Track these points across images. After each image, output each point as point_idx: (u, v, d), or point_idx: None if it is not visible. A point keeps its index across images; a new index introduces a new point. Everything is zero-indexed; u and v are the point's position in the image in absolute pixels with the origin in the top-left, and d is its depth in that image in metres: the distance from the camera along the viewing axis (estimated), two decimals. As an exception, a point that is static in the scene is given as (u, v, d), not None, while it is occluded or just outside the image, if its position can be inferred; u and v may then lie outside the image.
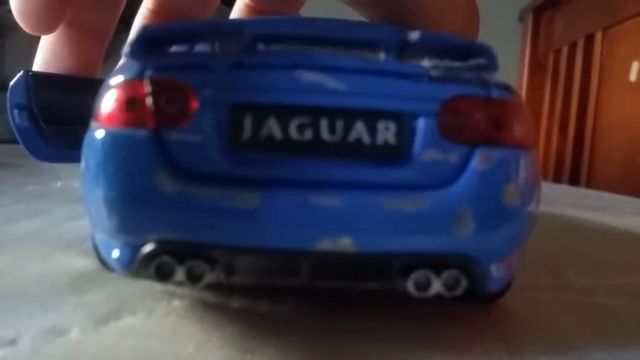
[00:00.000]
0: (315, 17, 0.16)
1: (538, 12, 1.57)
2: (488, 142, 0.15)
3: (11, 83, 0.23)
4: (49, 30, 0.23)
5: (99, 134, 0.15)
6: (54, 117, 0.23)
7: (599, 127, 1.26)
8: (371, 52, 0.15)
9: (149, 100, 0.14)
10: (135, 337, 0.15)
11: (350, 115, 0.15)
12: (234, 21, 0.18)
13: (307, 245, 0.14)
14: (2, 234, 0.25)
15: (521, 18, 1.67)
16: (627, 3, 1.16)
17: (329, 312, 0.17)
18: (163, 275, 0.15)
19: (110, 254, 0.16)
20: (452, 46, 0.16)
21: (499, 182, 0.15)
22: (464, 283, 0.15)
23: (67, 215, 0.30)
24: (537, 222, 0.16)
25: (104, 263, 0.18)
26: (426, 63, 0.15)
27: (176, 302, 0.17)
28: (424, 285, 0.15)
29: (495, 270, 0.16)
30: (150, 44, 0.15)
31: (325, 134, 0.15)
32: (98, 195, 0.15)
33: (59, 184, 0.41)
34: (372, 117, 0.15)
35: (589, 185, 1.22)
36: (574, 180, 1.29)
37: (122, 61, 0.16)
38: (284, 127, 0.15)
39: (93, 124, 0.15)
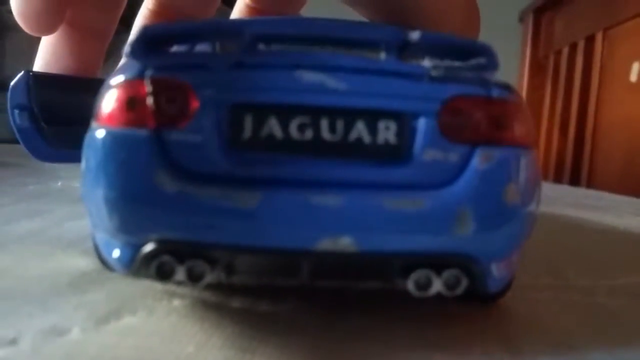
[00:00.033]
0: (315, 17, 0.16)
1: (538, 13, 1.57)
2: (488, 141, 0.15)
3: (12, 83, 0.23)
4: (49, 30, 0.23)
5: (100, 133, 0.15)
6: (55, 117, 0.23)
7: (599, 127, 1.26)
8: (372, 51, 0.15)
9: (149, 100, 0.15)
10: (136, 337, 0.15)
11: (350, 115, 0.15)
12: (235, 21, 0.18)
13: (308, 245, 0.14)
14: (2, 234, 0.25)
15: (521, 19, 1.67)
16: (627, 4, 1.16)
17: (329, 312, 0.17)
18: (163, 275, 0.15)
19: (110, 253, 0.16)
20: (452, 46, 0.16)
21: (500, 182, 0.15)
22: (464, 283, 0.15)
23: (67, 215, 0.30)
24: (537, 222, 0.16)
25: (104, 263, 0.18)
26: (426, 63, 0.15)
27: (177, 302, 0.17)
28: (424, 285, 0.15)
29: (496, 270, 0.16)
30: (151, 44, 0.15)
31: (325, 134, 0.15)
32: (98, 195, 0.15)
33: (59, 183, 0.41)
34: (372, 117, 0.15)
35: (590, 185, 1.22)
36: (575, 181, 1.29)
37: (122, 61, 0.16)
38: (285, 126, 0.15)
39: (93, 124, 0.15)
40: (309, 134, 0.15)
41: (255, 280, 0.15)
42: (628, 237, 0.36)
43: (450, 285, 0.15)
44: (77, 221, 0.28)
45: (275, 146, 0.15)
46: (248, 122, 0.15)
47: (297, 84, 0.15)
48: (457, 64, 0.15)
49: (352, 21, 0.16)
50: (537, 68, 1.58)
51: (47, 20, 0.22)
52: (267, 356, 0.14)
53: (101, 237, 0.16)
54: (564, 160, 1.38)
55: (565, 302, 0.20)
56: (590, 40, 1.31)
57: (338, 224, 0.14)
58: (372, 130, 0.15)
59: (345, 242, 0.14)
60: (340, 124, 0.15)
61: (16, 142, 0.24)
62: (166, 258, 0.14)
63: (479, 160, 0.15)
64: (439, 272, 0.15)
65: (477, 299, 0.18)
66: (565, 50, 1.42)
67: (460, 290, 0.15)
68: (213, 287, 0.17)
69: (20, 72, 0.23)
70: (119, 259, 0.15)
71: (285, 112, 0.15)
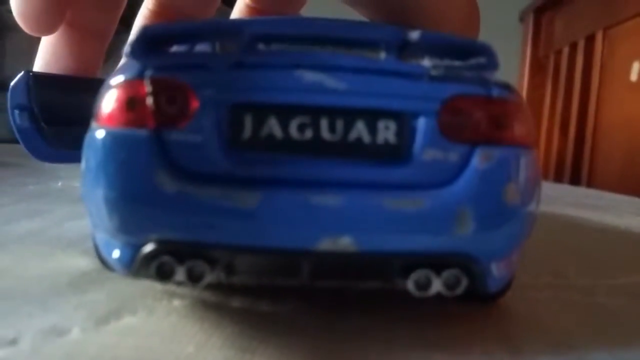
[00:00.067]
0: (315, 17, 0.16)
1: (539, 12, 1.58)
2: (488, 141, 0.15)
3: (12, 83, 0.23)
4: (49, 31, 0.23)
5: (100, 134, 0.15)
6: (55, 118, 0.23)
7: (599, 127, 1.26)
8: (371, 51, 0.15)
9: (149, 100, 0.15)
10: (136, 337, 0.15)
11: (350, 115, 0.15)
12: (235, 21, 0.18)
13: (308, 245, 0.14)
14: (2, 234, 0.25)
15: (522, 18, 1.67)
16: (627, 3, 1.16)
17: (329, 312, 0.17)
18: (163, 275, 0.15)
19: (110, 254, 0.16)
20: (452, 45, 0.16)
21: (500, 182, 0.15)
22: (464, 282, 0.15)
23: (67, 215, 0.30)
24: (537, 222, 0.16)
25: (104, 263, 0.18)
26: (426, 62, 0.15)
27: (176, 302, 0.17)
28: (424, 285, 0.15)
29: (496, 270, 0.16)
30: (151, 44, 0.15)
31: (325, 134, 0.15)
32: (98, 195, 0.15)
33: (59, 183, 0.41)
34: (372, 117, 0.15)
35: (590, 184, 1.22)
36: (575, 180, 1.29)
37: (122, 61, 0.16)
38: (285, 126, 0.15)
39: (93, 124, 0.15)
40: (308, 133, 0.15)
41: (255, 280, 0.15)
42: (628, 236, 0.36)
43: (450, 285, 0.15)
44: (77, 221, 0.28)
45: (275, 146, 0.15)
46: (248, 122, 0.15)
47: (297, 84, 0.15)
48: (457, 63, 0.15)
49: (352, 21, 0.16)
50: (538, 67, 1.58)
51: (47, 21, 0.22)
52: (267, 356, 0.14)
53: (101, 237, 0.16)
54: (564, 159, 1.38)
55: (565, 301, 0.20)
56: (590, 39, 1.31)
57: (338, 224, 0.14)
58: (372, 130, 0.15)
59: (345, 242, 0.14)
60: (340, 124, 0.15)
61: (16, 142, 0.24)
62: (166, 258, 0.14)
63: (478, 160, 0.15)
64: (438, 272, 0.15)
65: (477, 299, 0.18)
66: (566, 50, 1.42)
67: (460, 290, 0.15)
68: (213, 287, 0.17)
69: (20, 72, 0.23)
70: (119, 259, 0.15)
71: (285, 112, 0.15)
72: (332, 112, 0.15)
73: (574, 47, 1.39)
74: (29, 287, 0.18)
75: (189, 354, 0.14)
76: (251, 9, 0.25)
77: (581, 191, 0.78)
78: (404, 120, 0.15)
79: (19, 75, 0.23)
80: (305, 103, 0.15)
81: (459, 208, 0.15)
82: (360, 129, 0.15)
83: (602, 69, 1.26)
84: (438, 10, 0.20)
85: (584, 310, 0.19)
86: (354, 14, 0.21)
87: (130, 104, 0.15)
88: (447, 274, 0.15)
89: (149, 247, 0.14)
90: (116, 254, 0.15)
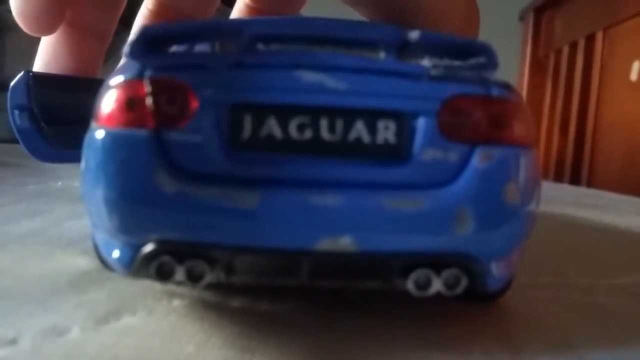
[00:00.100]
0: (315, 17, 0.16)
1: (539, 11, 1.58)
2: (488, 140, 0.15)
3: (12, 83, 0.23)
4: (49, 31, 0.23)
5: (99, 134, 0.15)
6: (55, 118, 0.23)
7: (599, 126, 1.26)
8: (371, 51, 0.15)
9: (148, 100, 0.15)
10: (136, 337, 0.15)
11: (350, 115, 0.15)
12: (234, 21, 0.18)
13: (307, 245, 0.14)
14: (2, 234, 0.25)
15: (522, 18, 1.67)
16: (627, 3, 1.16)
17: (328, 311, 0.17)
18: (163, 275, 0.15)
19: (110, 254, 0.16)
20: (451, 45, 0.16)
21: (499, 181, 0.15)
22: (464, 282, 0.15)
23: (67, 214, 0.30)
24: (537, 221, 0.16)
25: (104, 263, 0.18)
26: (426, 62, 0.15)
27: (176, 302, 0.17)
28: (424, 285, 0.15)
29: (496, 269, 0.16)
30: (150, 44, 0.15)
31: (325, 134, 0.15)
32: (98, 195, 0.15)
33: (59, 183, 0.41)
34: (372, 117, 0.15)
35: (590, 184, 1.22)
36: (575, 180, 1.29)
37: (122, 61, 0.16)
38: (284, 126, 0.15)
39: (93, 124, 0.15)
40: (308, 133, 0.15)
41: (254, 280, 0.15)
42: (628, 236, 0.36)
43: (450, 285, 0.15)
44: (77, 221, 0.28)
45: (274, 146, 0.15)
46: (247, 122, 0.15)
47: (297, 84, 0.15)
48: (456, 63, 0.15)
49: (351, 21, 0.16)
50: (538, 67, 1.58)
51: (47, 21, 0.22)
52: (266, 356, 0.14)
53: (101, 237, 0.16)
54: (564, 159, 1.38)
55: (565, 301, 0.20)
56: (590, 39, 1.31)
57: (338, 223, 0.14)
58: (372, 130, 0.15)
59: (345, 242, 0.14)
60: (339, 124, 0.15)
61: (16, 142, 0.24)
62: (166, 258, 0.14)
63: (478, 160, 0.15)
64: (438, 272, 0.15)
65: (477, 299, 0.18)
66: (566, 49, 1.42)
67: (460, 289, 0.15)
68: (213, 287, 0.17)
69: (20, 72, 0.23)
70: (118, 259, 0.15)
71: (284, 112, 0.15)
72: (332, 112, 0.15)
73: (574, 46, 1.39)
74: (28, 287, 0.18)
75: (189, 354, 0.14)
76: (251, 9, 0.25)
77: (581, 191, 0.78)
78: (403, 120, 0.15)
79: (18, 75, 0.23)
80: (304, 103, 0.15)
81: (458, 208, 0.15)
82: (359, 129, 0.15)
83: (602, 68, 1.26)
84: (437, 10, 0.20)
85: (584, 309, 0.19)
86: (354, 14, 0.21)
87: (130, 104, 0.15)
88: (447, 273, 0.15)
89: (148, 247, 0.14)
90: (116, 253, 0.15)
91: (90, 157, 0.15)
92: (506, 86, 0.16)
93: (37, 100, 0.23)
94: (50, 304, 0.17)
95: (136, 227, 0.15)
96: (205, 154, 0.14)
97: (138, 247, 0.15)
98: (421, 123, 0.15)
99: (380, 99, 0.15)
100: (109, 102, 0.15)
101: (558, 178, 1.36)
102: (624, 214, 0.45)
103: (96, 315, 0.16)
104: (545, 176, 1.35)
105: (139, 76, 0.15)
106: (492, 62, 0.15)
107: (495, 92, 0.15)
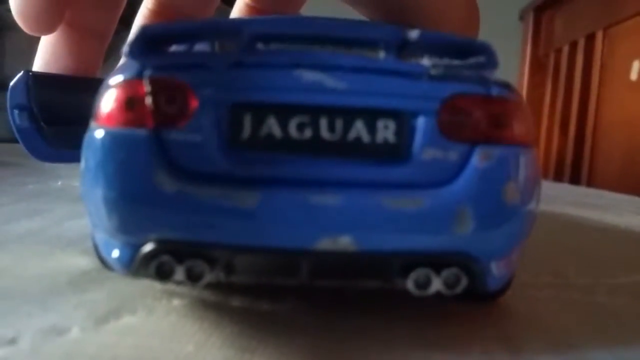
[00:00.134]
0: (315, 16, 0.16)
1: (539, 11, 1.57)
2: (488, 140, 0.15)
3: (11, 83, 0.23)
4: (48, 30, 0.23)
5: (99, 133, 0.15)
6: (54, 117, 0.23)
7: (599, 126, 1.26)
8: (371, 50, 0.15)
9: (148, 100, 0.14)
10: (136, 336, 0.15)
11: (349, 114, 0.15)
12: (234, 20, 0.18)
13: (307, 245, 0.14)
14: (2, 233, 0.25)
15: (522, 17, 1.67)
16: (627, 3, 1.16)
17: (328, 311, 0.17)
18: (163, 274, 0.15)
19: (110, 253, 0.16)
20: (451, 44, 0.16)
21: (499, 181, 0.15)
22: (464, 281, 0.15)
23: (67, 214, 0.30)
24: (537, 221, 0.16)
25: (104, 262, 0.18)
26: (426, 61, 0.15)
27: (176, 301, 0.17)
28: (424, 284, 0.15)
29: (496, 269, 0.16)
30: (150, 43, 0.15)
31: (324, 133, 0.15)
32: (98, 195, 0.15)
33: (59, 183, 0.41)
34: (371, 116, 0.15)
35: (590, 184, 1.22)
36: (575, 179, 1.29)
37: (121, 61, 0.16)
38: (284, 126, 0.15)
39: (93, 124, 0.15)
40: (308, 133, 0.15)
41: (254, 279, 0.15)
42: (628, 235, 0.36)
43: (449, 284, 0.15)
44: (77, 220, 0.28)
45: (274, 145, 0.15)
46: (247, 122, 0.15)
47: (297, 83, 0.15)
48: (456, 62, 0.15)
49: (351, 20, 0.16)
50: (538, 66, 1.58)
51: (47, 20, 0.22)
52: (266, 356, 0.14)
53: (101, 237, 0.16)
54: (564, 158, 1.38)
55: (565, 300, 0.20)
56: (590, 38, 1.31)
57: (337, 223, 0.14)
58: (371, 129, 0.15)
59: (345, 242, 0.14)
60: (339, 123, 0.15)
61: (16, 141, 0.24)
62: (165, 258, 0.14)
63: (478, 159, 0.15)
64: (438, 271, 0.15)
65: (476, 298, 0.18)
66: (566, 49, 1.42)
67: (459, 289, 0.15)
68: (212, 286, 0.17)
69: (19, 71, 0.23)
70: (118, 258, 0.15)
71: (284, 112, 0.15)
72: (332, 112, 0.15)
73: (574, 46, 1.39)
74: (28, 287, 0.18)
75: (189, 354, 0.14)
76: (251, 8, 0.25)
77: (581, 190, 0.78)
78: (403, 120, 0.15)
79: (18, 75, 0.23)
80: (304, 102, 0.15)
81: (458, 207, 0.15)
82: (359, 128, 0.15)
83: (602, 68, 1.26)
84: (437, 9, 0.20)
85: (584, 309, 0.19)
86: (354, 14, 0.21)
87: (130, 103, 0.15)
88: (446, 273, 0.15)
89: (148, 247, 0.14)
90: (116, 253, 0.15)
91: (89, 156, 0.15)
92: (506, 86, 0.16)
93: (37, 99, 0.23)
94: (50, 303, 0.17)
95: (136, 227, 0.15)
96: (205, 154, 0.14)
97: (138, 246, 0.15)
98: (421, 122, 0.15)
99: (380, 98, 0.15)
100: (108, 101, 0.15)
101: (558, 177, 1.36)
102: (624, 214, 0.45)
103: (96, 315, 0.16)
104: (545, 176, 1.35)
105: (139, 76, 0.15)
106: (492, 62, 0.15)
107: (495, 91, 0.15)
